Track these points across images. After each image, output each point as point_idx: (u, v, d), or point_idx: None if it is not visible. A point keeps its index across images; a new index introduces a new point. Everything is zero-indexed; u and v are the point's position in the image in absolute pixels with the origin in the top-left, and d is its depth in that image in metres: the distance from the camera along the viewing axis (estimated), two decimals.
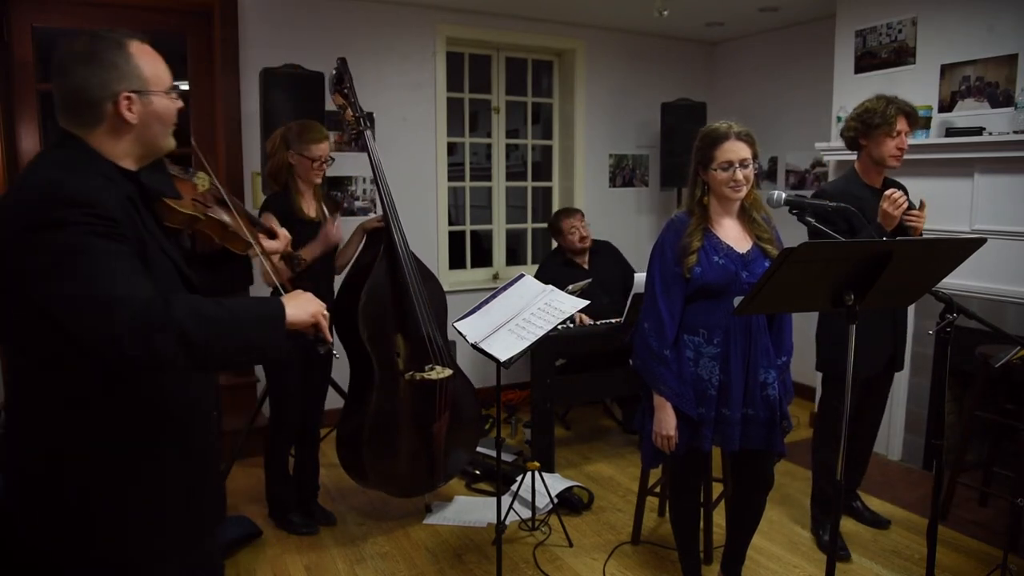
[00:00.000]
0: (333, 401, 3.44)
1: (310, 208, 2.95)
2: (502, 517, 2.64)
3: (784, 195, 2.26)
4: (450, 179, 4.82)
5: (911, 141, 2.90)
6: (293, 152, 2.87)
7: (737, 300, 2.10)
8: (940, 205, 3.39)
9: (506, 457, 3.66)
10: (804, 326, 2.98)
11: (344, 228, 3.21)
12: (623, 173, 5.43)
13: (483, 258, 5.21)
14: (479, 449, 3.43)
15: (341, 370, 3.13)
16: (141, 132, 1.36)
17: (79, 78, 1.30)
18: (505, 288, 2.64)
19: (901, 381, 3.71)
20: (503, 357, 2.35)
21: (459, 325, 2.54)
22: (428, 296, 3.03)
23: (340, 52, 3.13)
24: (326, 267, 3.03)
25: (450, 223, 4.86)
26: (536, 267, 4.52)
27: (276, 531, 3.10)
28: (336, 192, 3.05)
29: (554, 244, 4.56)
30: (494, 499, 2.69)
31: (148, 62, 1.36)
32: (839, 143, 3.32)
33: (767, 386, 2.26)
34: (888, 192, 2.65)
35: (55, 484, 1.27)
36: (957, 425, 3.60)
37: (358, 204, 4.44)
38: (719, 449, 2.37)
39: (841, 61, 4.10)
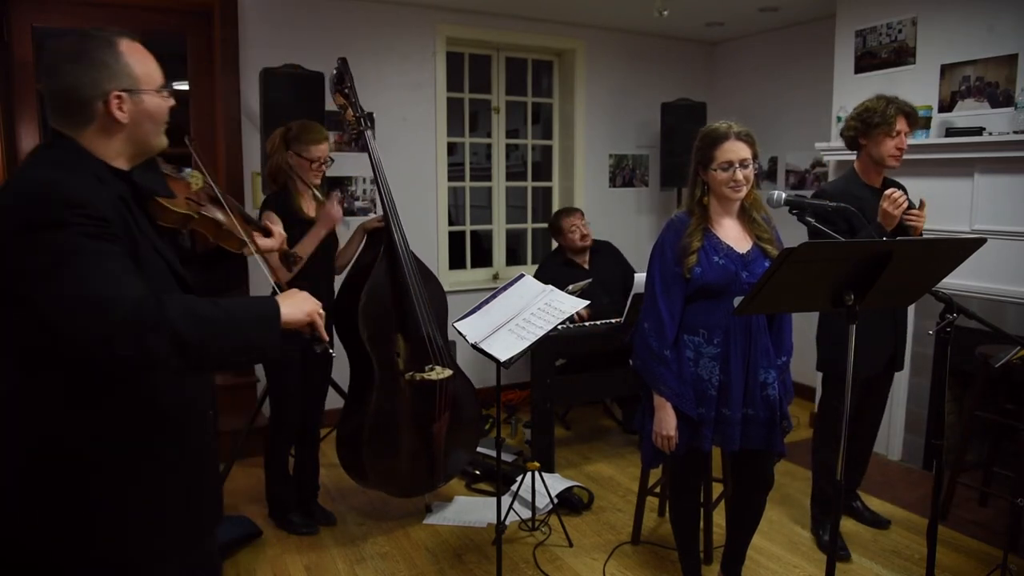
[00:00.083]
0: (333, 401, 3.44)
1: (310, 208, 2.95)
2: (502, 517, 2.64)
3: (784, 195, 2.26)
4: (450, 179, 4.82)
5: (911, 141, 2.91)
6: (292, 153, 2.87)
7: (737, 300, 2.10)
8: (940, 205, 3.39)
9: (506, 457, 3.67)
10: (804, 326, 2.98)
11: (344, 228, 3.22)
12: (623, 173, 5.43)
13: (483, 258, 5.21)
14: (479, 449, 3.43)
15: (341, 370, 3.13)
16: (132, 131, 1.35)
17: (69, 78, 1.29)
18: (505, 288, 2.64)
19: (901, 381, 3.71)
20: (503, 357, 2.35)
21: (459, 325, 2.54)
22: (428, 296, 3.04)
23: (340, 52, 3.13)
24: (326, 267, 3.03)
25: (450, 223, 4.86)
26: (536, 267, 4.52)
27: (276, 531, 3.10)
28: (336, 192, 3.05)
29: (554, 244, 4.56)
30: (494, 499, 2.69)
31: (138, 60, 1.35)
32: (839, 143, 3.32)
33: (767, 386, 2.26)
34: (888, 192, 2.65)
35: (53, 484, 1.27)
36: (957, 425, 3.60)
37: (358, 204, 4.44)
38: (719, 449, 2.37)
39: (841, 61, 4.10)
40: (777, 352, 2.30)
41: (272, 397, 3.01)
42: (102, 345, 1.15)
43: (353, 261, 3.16)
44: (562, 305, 2.46)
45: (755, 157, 2.22)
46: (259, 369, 3.85)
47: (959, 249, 1.88)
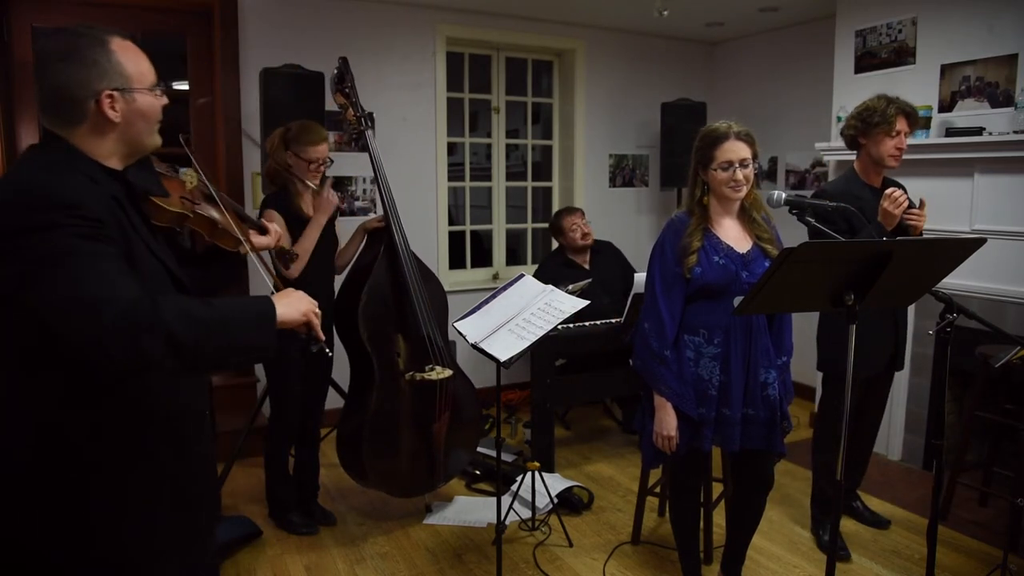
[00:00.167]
0: (333, 401, 3.44)
1: (310, 208, 2.94)
2: (502, 517, 2.64)
3: (784, 195, 2.26)
4: (450, 179, 4.82)
5: (911, 141, 2.91)
6: (291, 153, 2.86)
7: (737, 300, 2.10)
8: (940, 205, 3.39)
9: (506, 457, 3.67)
10: (804, 326, 2.98)
11: (344, 228, 3.22)
12: (623, 173, 5.43)
13: (483, 258, 5.21)
14: (479, 449, 3.43)
15: (341, 370, 3.13)
16: (125, 130, 1.34)
17: (60, 77, 1.28)
18: (505, 288, 2.64)
19: (901, 381, 3.71)
20: (503, 357, 2.35)
21: (459, 325, 2.54)
22: (428, 296, 3.04)
23: (340, 52, 3.13)
24: (326, 267, 3.03)
25: (450, 223, 4.86)
26: (536, 267, 4.52)
27: (276, 531, 3.10)
28: (336, 192, 3.04)
29: (554, 244, 4.56)
30: (494, 499, 2.69)
31: (130, 59, 1.34)
32: (839, 143, 3.32)
33: (767, 386, 2.26)
34: (888, 191, 2.65)
35: (53, 484, 1.27)
36: (957, 425, 3.60)
37: (358, 204, 4.44)
38: (719, 449, 2.37)
39: (841, 61, 4.10)
40: (777, 352, 2.30)
41: (272, 397, 3.01)
42: (96, 347, 1.14)
43: (353, 261, 3.16)
44: (562, 305, 2.46)
45: (755, 157, 2.22)
46: (259, 369, 3.85)
47: (959, 249, 1.88)
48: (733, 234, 2.28)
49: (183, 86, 4.14)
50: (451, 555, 2.95)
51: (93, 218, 1.20)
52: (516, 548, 2.99)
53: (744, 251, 2.25)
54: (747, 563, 2.64)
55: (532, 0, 4.43)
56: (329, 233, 2.99)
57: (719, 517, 2.81)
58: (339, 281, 3.13)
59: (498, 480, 2.73)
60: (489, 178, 5.14)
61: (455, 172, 4.98)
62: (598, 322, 3.79)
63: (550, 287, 2.57)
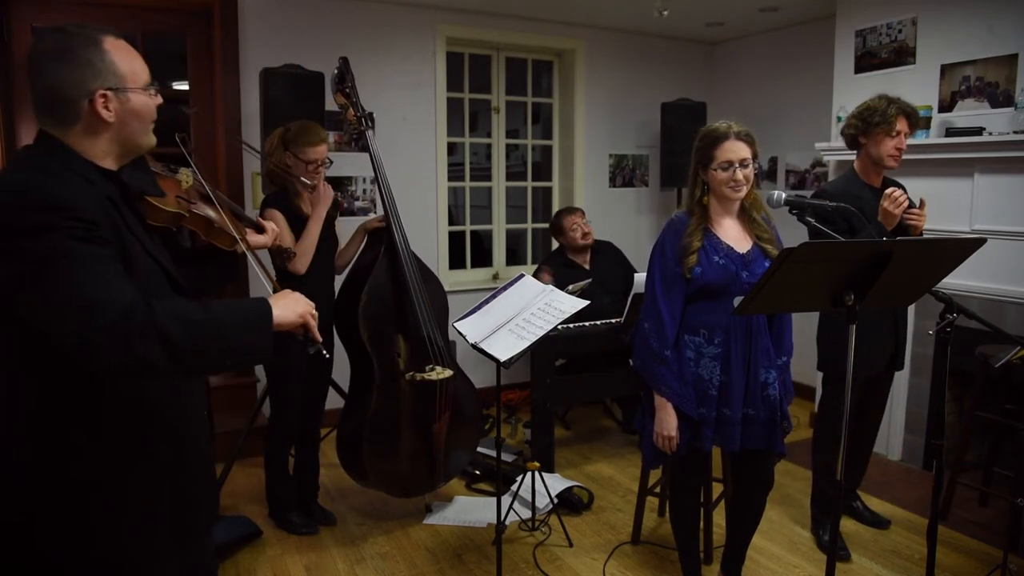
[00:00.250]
0: (333, 401, 3.44)
1: (309, 207, 2.94)
2: (502, 517, 2.64)
3: (784, 195, 2.26)
4: (450, 179, 4.82)
5: (911, 141, 2.91)
6: (290, 154, 2.86)
7: (737, 300, 2.10)
8: (940, 205, 3.39)
9: (506, 457, 3.67)
10: (804, 326, 2.98)
11: (345, 228, 3.22)
12: (623, 173, 5.43)
13: (483, 258, 5.21)
14: (479, 449, 3.43)
15: (341, 370, 3.13)
16: (119, 130, 1.33)
17: (53, 77, 1.27)
18: (505, 288, 2.64)
19: (901, 381, 3.71)
20: (503, 357, 2.35)
21: (459, 325, 2.54)
22: (429, 296, 3.03)
23: (340, 52, 3.13)
24: (326, 267, 3.03)
25: (450, 223, 4.86)
26: (536, 267, 4.51)
27: (276, 531, 3.10)
28: (336, 193, 3.04)
29: (555, 244, 4.56)
30: (494, 499, 2.69)
31: (124, 58, 1.32)
32: (839, 143, 3.32)
33: (768, 386, 2.26)
34: (889, 191, 2.65)
35: (53, 485, 1.27)
36: (957, 425, 3.60)
37: (358, 204, 4.44)
38: (719, 449, 2.37)
39: (841, 61, 4.10)
40: (777, 352, 2.30)
41: (272, 397, 3.01)
42: (90, 349, 1.14)
43: (353, 261, 3.16)
44: (562, 305, 2.46)
45: (755, 157, 2.22)
46: (259, 369, 3.85)
47: (959, 249, 1.88)
48: (733, 234, 2.28)
49: (183, 86, 4.14)
50: (451, 555, 2.95)
51: (88, 219, 1.20)
52: (516, 548, 2.99)
53: (744, 251, 2.25)
54: (747, 563, 2.64)
55: (532, 0, 4.43)
56: (329, 233, 2.99)
57: (719, 517, 2.81)
58: (339, 281, 3.13)
59: (498, 480, 2.73)
60: (489, 178, 5.14)
61: (455, 172, 4.98)
62: (598, 322, 3.79)
63: (550, 287, 2.57)
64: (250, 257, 1.74)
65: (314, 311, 1.43)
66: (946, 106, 3.61)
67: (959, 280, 2.88)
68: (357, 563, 2.90)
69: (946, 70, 3.61)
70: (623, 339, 3.31)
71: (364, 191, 4.46)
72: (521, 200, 5.32)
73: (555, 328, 2.45)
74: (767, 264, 2.19)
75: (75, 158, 1.30)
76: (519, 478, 3.17)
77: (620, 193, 5.42)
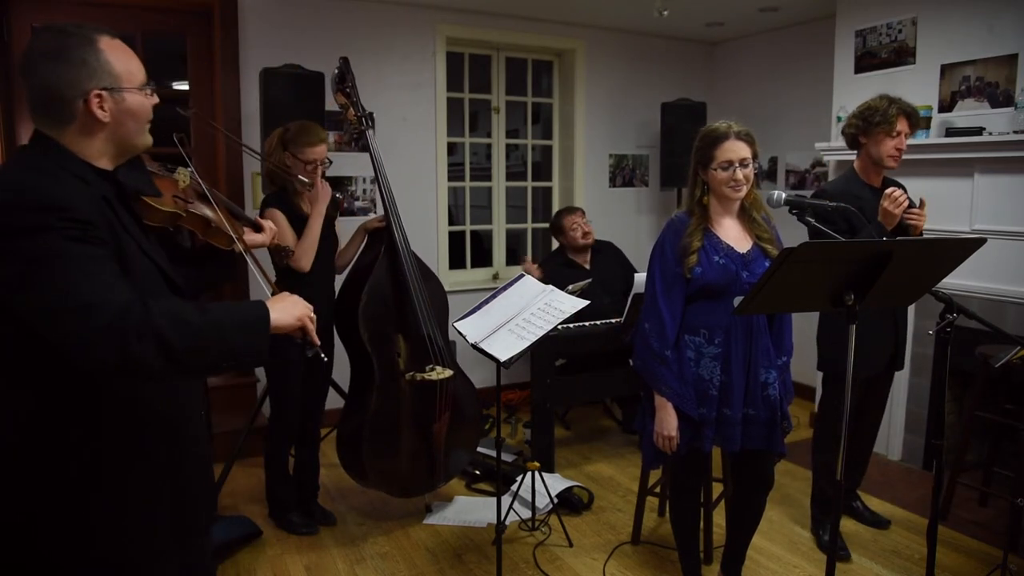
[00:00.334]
0: (333, 401, 3.44)
1: (309, 207, 2.94)
2: (502, 517, 2.64)
3: (784, 195, 2.25)
4: (450, 179, 4.82)
5: (911, 141, 2.91)
6: (289, 154, 2.86)
7: (737, 300, 2.10)
8: (940, 205, 3.39)
9: (506, 457, 3.67)
10: (804, 326, 2.98)
11: (345, 228, 3.22)
12: (623, 173, 5.43)
13: (483, 258, 5.21)
14: (479, 449, 3.43)
15: (341, 370, 3.13)
16: (114, 130, 1.33)
17: (49, 76, 1.27)
18: (505, 288, 2.64)
19: (901, 381, 3.71)
20: (503, 357, 2.35)
21: (459, 325, 2.54)
22: (429, 296, 3.03)
23: (340, 52, 3.13)
24: (327, 267, 3.03)
25: (450, 223, 4.86)
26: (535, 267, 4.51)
27: (276, 531, 3.10)
28: (337, 193, 3.04)
29: (555, 244, 4.56)
30: (494, 499, 2.69)
31: (119, 58, 1.32)
32: (839, 143, 3.32)
33: (768, 386, 2.26)
34: (889, 190, 2.65)
35: (52, 485, 1.27)
36: (957, 425, 3.60)
37: (358, 204, 4.44)
38: (719, 449, 2.37)
39: (841, 61, 4.10)
40: (777, 352, 2.30)
41: (272, 397, 3.01)
42: (86, 350, 1.14)
43: (354, 261, 3.16)
44: (562, 305, 2.46)
45: (755, 157, 2.22)
46: (259, 369, 3.85)
47: (959, 249, 1.88)
48: (733, 234, 2.28)
49: (183, 86, 4.14)
50: (451, 555, 2.95)
51: (83, 220, 1.19)
52: (516, 548, 2.99)
53: (744, 251, 2.25)
54: (747, 563, 2.64)
55: (532, 0, 4.43)
56: (329, 233, 2.99)
57: (719, 517, 2.81)
58: (339, 281, 3.13)
59: (498, 480, 2.73)
60: (489, 178, 5.14)
61: (455, 172, 4.98)
62: (598, 322, 3.79)
63: (550, 287, 2.57)
64: (248, 260, 1.73)
65: (312, 314, 1.42)
66: (946, 106, 3.61)
67: (959, 280, 2.88)
68: (357, 563, 2.90)
69: (946, 70, 3.61)
70: (623, 339, 3.31)
71: (364, 191, 4.46)
72: (521, 200, 5.32)
73: (555, 328, 2.45)
74: (767, 264, 2.19)
75: (71, 158, 1.29)
76: (519, 478, 3.17)
77: (620, 193, 5.42)
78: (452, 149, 4.97)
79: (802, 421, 4.33)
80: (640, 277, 3.19)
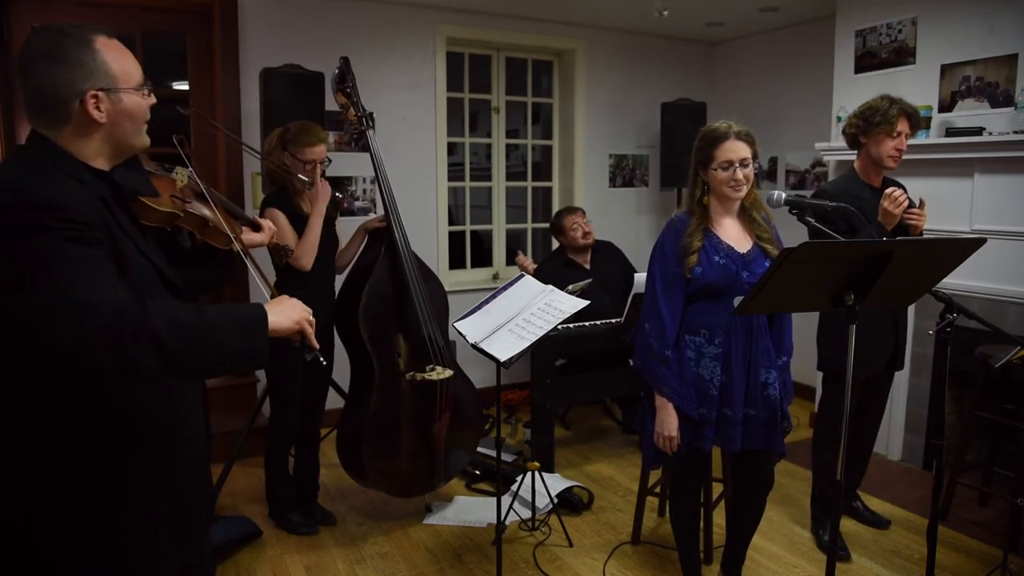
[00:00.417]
0: (333, 401, 3.44)
1: (309, 207, 2.94)
2: (502, 517, 2.64)
3: (784, 195, 2.26)
4: (450, 179, 4.82)
5: (911, 141, 2.90)
6: (288, 154, 2.86)
7: (737, 300, 2.10)
8: (940, 205, 3.39)
9: (506, 457, 3.67)
10: (804, 326, 2.98)
11: (345, 228, 3.22)
12: (623, 173, 5.43)
13: (483, 258, 5.21)
14: (479, 449, 3.43)
15: (341, 370, 3.13)
16: (110, 131, 1.32)
17: (44, 76, 1.26)
18: (505, 288, 2.64)
19: (901, 381, 3.71)
20: (503, 357, 2.35)
21: (459, 325, 2.54)
22: (429, 296, 3.03)
23: (340, 52, 3.13)
24: (327, 267, 3.03)
25: (450, 223, 4.86)
26: (536, 267, 4.51)
27: (276, 531, 3.10)
28: (337, 193, 3.04)
29: (555, 244, 4.56)
30: (494, 499, 2.69)
31: (116, 58, 1.31)
32: (839, 143, 3.32)
33: (768, 386, 2.26)
34: (889, 190, 2.65)
35: (52, 485, 1.27)
36: (957, 425, 3.60)
37: (358, 204, 4.44)
38: (719, 449, 2.37)
39: (841, 61, 4.10)
40: (777, 352, 2.30)
41: (272, 397, 3.01)
42: (84, 351, 1.14)
43: (354, 261, 3.16)
44: (562, 305, 2.46)
45: (755, 157, 2.22)
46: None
47: (959, 249, 1.88)
48: (733, 234, 2.28)
49: (183, 86, 4.14)
50: (451, 555, 2.95)
51: (80, 220, 1.19)
52: (516, 548, 2.99)
53: (744, 251, 2.25)
54: (747, 563, 2.64)
55: (532, 0, 4.43)
56: (330, 233, 2.99)
57: (719, 517, 2.81)
58: (339, 281, 3.13)
59: (498, 480, 2.73)
60: (489, 178, 5.14)
61: (455, 172, 4.98)
62: (598, 322, 3.79)
63: (550, 287, 2.57)
64: (248, 262, 1.72)
65: (311, 317, 1.41)
66: (946, 106, 3.61)
67: (959, 280, 2.88)
68: (357, 563, 2.90)
69: (946, 70, 3.61)
70: (623, 339, 3.31)
71: (364, 191, 4.46)
72: (521, 200, 5.32)
73: (555, 328, 2.45)
74: (767, 264, 2.19)
75: (67, 158, 1.29)
76: (519, 478, 3.17)
77: (620, 193, 5.42)
78: (452, 149, 4.97)
79: (802, 421, 4.33)
80: (640, 277, 3.19)
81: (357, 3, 4.30)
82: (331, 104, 3.42)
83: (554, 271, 4.10)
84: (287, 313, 1.37)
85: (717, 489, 2.94)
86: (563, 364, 4.09)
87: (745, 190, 2.22)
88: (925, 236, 2.85)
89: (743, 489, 2.46)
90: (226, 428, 3.69)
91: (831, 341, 2.90)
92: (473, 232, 5.12)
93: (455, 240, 4.96)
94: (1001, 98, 3.38)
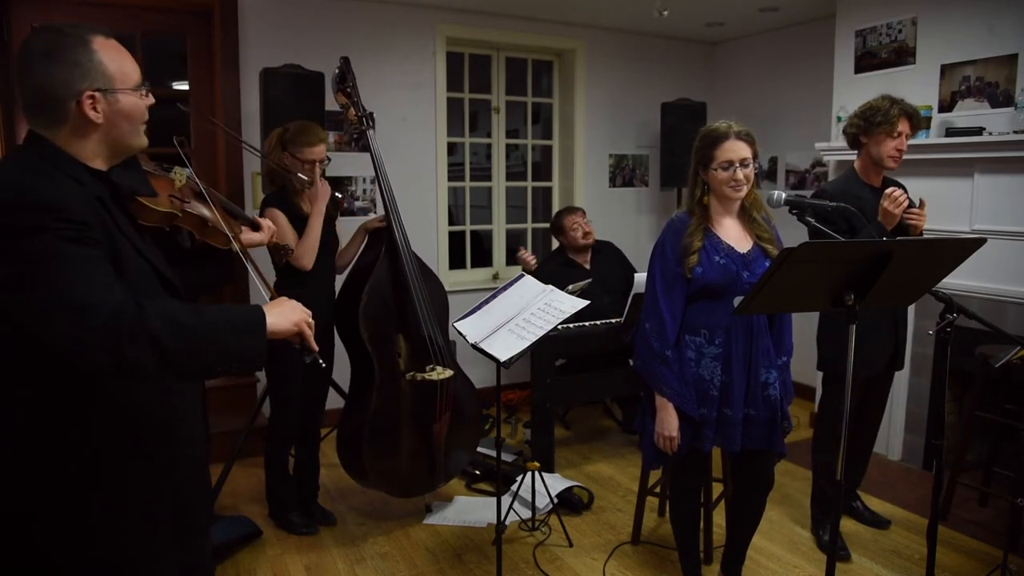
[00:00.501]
0: (334, 401, 3.44)
1: (309, 207, 2.94)
2: (502, 517, 2.64)
3: (784, 195, 2.26)
4: (450, 179, 4.82)
5: (911, 141, 2.91)
6: (288, 154, 2.86)
7: (738, 300, 2.10)
8: (940, 205, 3.39)
9: (506, 457, 3.67)
10: (804, 326, 2.98)
11: (345, 228, 3.22)
12: (623, 173, 5.43)
13: (483, 258, 5.21)
14: (479, 449, 3.43)
15: (342, 370, 3.13)
16: (108, 131, 1.32)
17: (42, 76, 1.26)
18: (505, 288, 2.64)
19: (901, 381, 3.71)
20: (503, 357, 2.35)
21: (459, 325, 2.54)
22: (429, 296, 3.03)
23: (340, 52, 3.13)
24: (327, 267, 3.03)
25: (450, 223, 4.86)
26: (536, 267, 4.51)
27: (276, 531, 3.10)
28: (336, 193, 3.04)
29: (555, 244, 4.56)
30: (494, 499, 2.69)
31: (113, 58, 1.31)
32: (839, 143, 3.32)
33: (768, 386, 2.26)
34: (889, 190, 2.65)
35: (52, 485, 1.27)
36: (957, 425, 3.60)
37: (358, 204, 4.44)
38: (719, 449, 2.37)
39: (841, 61, 4.10)
40: (778, 352, 2.30)
41: (272, 397, 3.01)
42: (82, 351, 1.14)
43: (354, 261, 3.16)
44: (562, 305, 2.46)
45: (755, 156, 2.22)
46: None
47: (959, 249, 1.88)
48: (733, 234, 2.28)
49: (183, 86, 4.14)
50: (451, 555, 2.95)
51: (78, 221, 1.19)
52: (516, 548, 2.99)
53: (745, 251, 2.25)
54: (747, 563, 2.64)
55: (532, 0, 4.43)
56: (330, 233, 2.99)
57: (719, 517, 2.81)
58: (340, 281, 3.13)
59: (498, 480, 2.73)
60: (489, 178, 5.14)
61: (455, 172, 4.98)
62: (598, 322, 3.79)
63: (550, 287, 2.57)
64: (247, 263, 1.72)
65: (310, 319, 1.41)
66: (946, 106, 3.61)
67: (959, 280, 2.88)
68: (357, 563, 2.90)
69: (946, 70, 3.61)
70: (623, 339, 3.31)
71: (364, 191, 4.46)
72: (521, 200, 5.32)
73: (555, 328, 2.45)
74: (767, 264, 2.18)
75: (65, 159, 1.29)
76: (519, 478, 3.17)
77: (620, 193, 5.42)
78: (452, 149, 4.97)
79: (802, 421, 4.33)
80: (640, 277, 3.19)
81: (357, 3, 4.30)
82: (331, 104, 3.42)
83: (554, 271, 4.10)
84: (286, 315, 1.36)
85: (717, 489, 2.94)
86: (563, 364, 4.09)
87: (745, 190, 2.22)
88: (925, 236, 2.85)
89: (743, 489, 2.46)
90: (226, 428, 3.69)
91: (831, 341, 2.90)
92: (473, 232, 5.12)
93: (455, 240, 4.96)
94: (1001, 98, 3.38)
